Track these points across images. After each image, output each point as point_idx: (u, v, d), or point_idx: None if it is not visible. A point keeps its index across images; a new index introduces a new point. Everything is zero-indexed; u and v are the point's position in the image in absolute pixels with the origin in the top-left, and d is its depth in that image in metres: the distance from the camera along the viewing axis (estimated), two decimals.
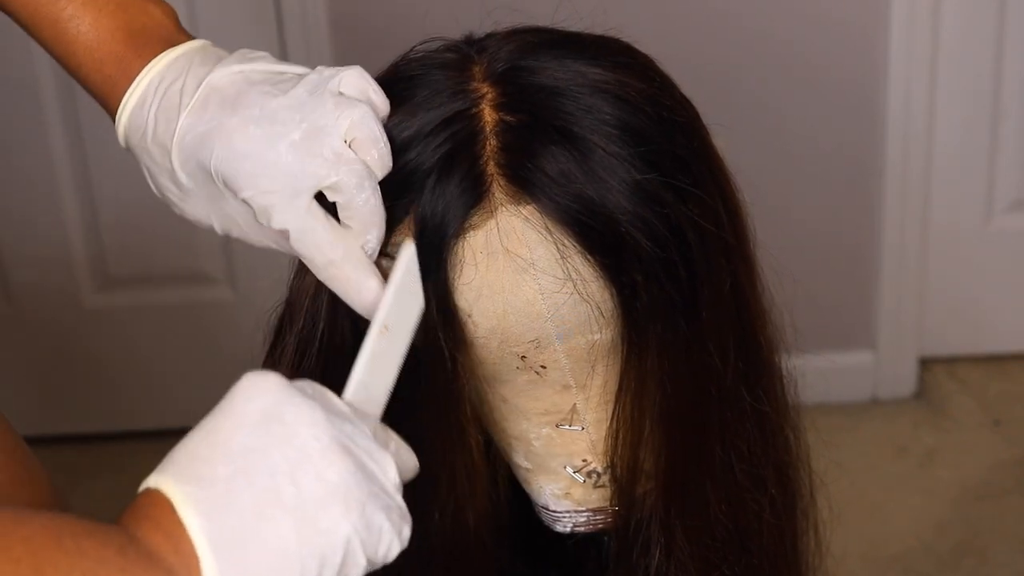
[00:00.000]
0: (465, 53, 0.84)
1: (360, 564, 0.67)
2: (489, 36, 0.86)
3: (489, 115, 0.81)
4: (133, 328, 2.34)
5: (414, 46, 0.86)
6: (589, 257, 0.80)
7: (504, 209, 0.80)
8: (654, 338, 0.82)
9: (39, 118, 2.19)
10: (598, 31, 0.88)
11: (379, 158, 0.80)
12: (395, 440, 0.73)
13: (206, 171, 0.81)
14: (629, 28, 0.88)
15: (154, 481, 0.67)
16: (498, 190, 0.80)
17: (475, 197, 0.80)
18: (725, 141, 0.89)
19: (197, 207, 0.85)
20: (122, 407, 2.37)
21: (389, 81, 0.85)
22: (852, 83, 2.20)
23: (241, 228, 0.84)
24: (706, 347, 0.84)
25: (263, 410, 0.68)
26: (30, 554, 0.61)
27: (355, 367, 0.77)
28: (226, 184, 0.80)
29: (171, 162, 0.83)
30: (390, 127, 0.82)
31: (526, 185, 0.80)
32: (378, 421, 0.74)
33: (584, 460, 0.87)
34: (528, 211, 0.80)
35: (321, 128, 0.79)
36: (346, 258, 0.79)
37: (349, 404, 0.72)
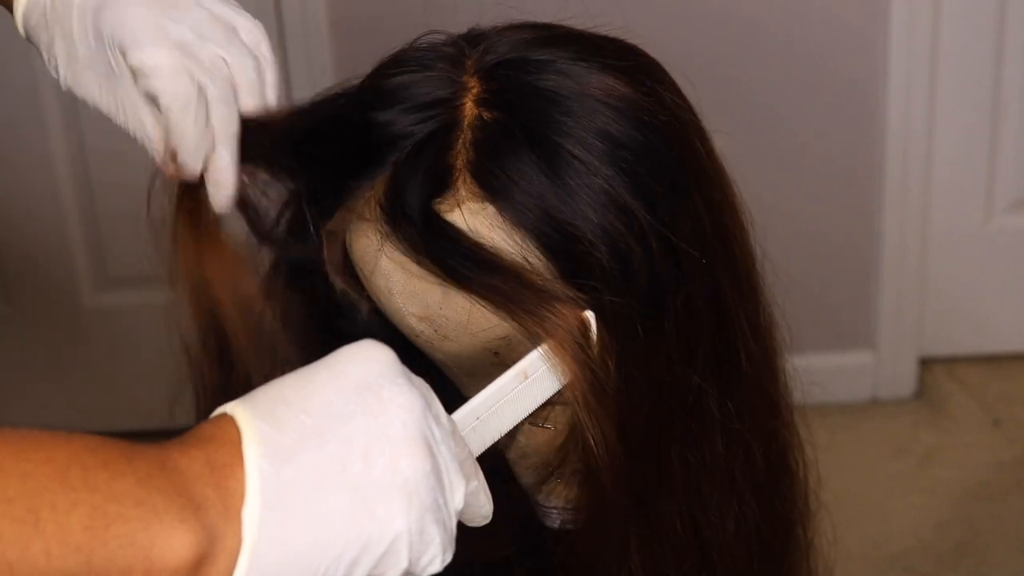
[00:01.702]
0: (462, 46, 0.84)
1: (401, 565, 0.65)
2: (490, 30, 0.86)
3: (470, 109, 0.81)
4: (133, 328, 2.34)
5: (418, 36, 0.86)
6: (549, 263, 0.80)
7: (467, 205, 0.80)
8: (614, 346, 0.81)
9: (39, 119, 2.19)
10: (600, 31, 0.87)
11: (249, 97, 0.81)
12: (480, 481, 0.70)
13: (101, 38, 0.81)
14: (628, 29, 0.88)
15: (231, 408, 0.65)
16: (463, 185, 0.80)
17: (440, 187, 0.80)
18: (723, 142, 0.88)
19: (91, 84, 0.83)
20: (122, 407, 2.37)
21: (387, 66, 0.85)
22: (852, 84, 2.20)
23: (126, 117, 0.83)
24: (669, 359, 0.83)
25: (363, 377, 0.66)
26: (25, 494, 0.58)
27: (476, 396, 0.76)
28: (119, 48, 0.80)
29: (72, 27, 0.82)
30: (376, 97, 0.82)
31: (487, 186, 0.79)
32: (472, 456, 0.71)
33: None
34: (491, 210, 0.79)
35: (206, 39, 0.80)
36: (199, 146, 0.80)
37: (452, 421, 0.70)
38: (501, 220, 0.79)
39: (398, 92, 0.82)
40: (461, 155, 0.80)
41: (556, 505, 0.89)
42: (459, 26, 0.88)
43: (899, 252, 2.31)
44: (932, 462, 2.27)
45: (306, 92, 2.40)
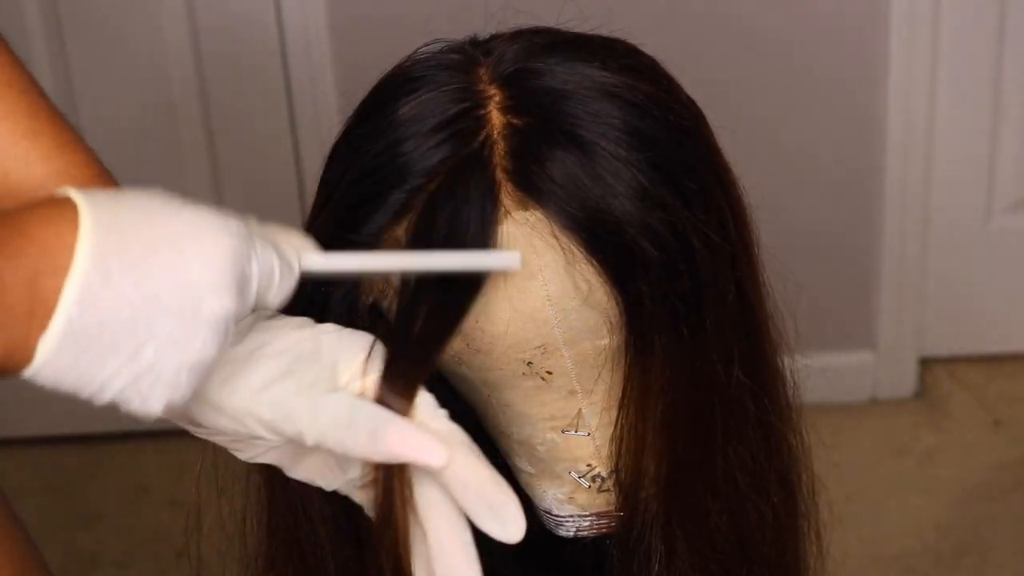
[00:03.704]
0: (470, 55, 0.83)
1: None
2: (494, 38, 0.85)
3: (496, 118, 0.80)
4: None
5: (418, 48, 0.85)
6: (595, 264, 0.79)
7: (511, 215, 0.79)
8: (658, 346, 0.82)
9: None
10: (598, 33, 0.87)
11: None
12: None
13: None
14: (628, 30, 0.88)
15: (68, 192, 0.68)
16: (506, 196, 0.79)
17: (484, 205, 0.79)
18: (724, 141, 0.89)
19: None
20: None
21: (393, 81, 0.84)
22: (852, 83, 2.21)
23: None
24: (710, 356, 0.84)
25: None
26: None
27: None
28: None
29: None
30: (392, 120, 0.81)
31: (533, 191, 0.79)
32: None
33: (589, 465, 0.87)
34: (535, 217, 0.79)
35: None
36: None
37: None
38: (546, 224, 0.79)
39: (414, 114, 0.81)
40: (499, 166, 0.79)
41: (571, 513, 0.89)
42: (459, 28, 0.88)
43: (899, 252, 2.31)
44: (932, 462, 2.27)
45: (306, 92, 2.40)
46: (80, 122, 2.18)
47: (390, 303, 0.83)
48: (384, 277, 0.83)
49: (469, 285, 0.79)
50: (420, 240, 0.79)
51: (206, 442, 0.80)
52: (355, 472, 0.78)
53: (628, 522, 0.87)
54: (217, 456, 0.86)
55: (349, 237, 0.81)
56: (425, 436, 0.73)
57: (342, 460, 0.78)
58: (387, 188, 0.81)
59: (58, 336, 0.65)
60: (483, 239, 0.79)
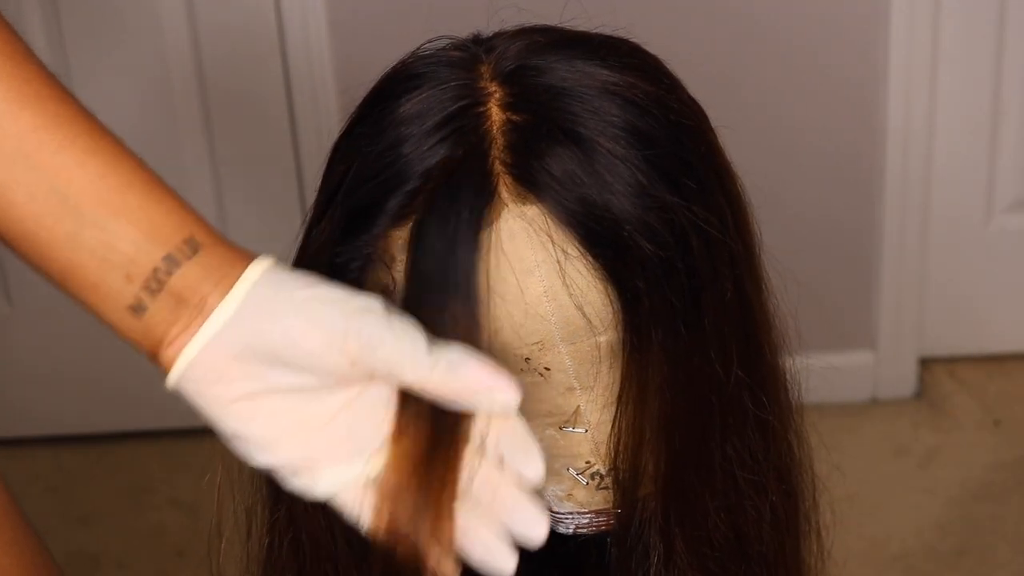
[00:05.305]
0: (473, 52, 0.84)
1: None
2: (497, 35, 0.86)
3: (496, 114, 0.81)
4: None
5: (421, 44, 0.86)
6: (591, 260, 0.80)
7: (508, 209, 0.80)
8: (655, 344, 0.82)
9: None
10: (602, 31, 0.87)
11: None
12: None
13: None
14: (631, 28, 0.88)
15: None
16: (504, 190, 0.80)
17: (482, 199, 0.79)
18: (724, 141, 0.89)
19: None
20: (122, 407, 2.37)
21: (395, 78, 0.84)
22: (852, 83, 2.21)
23: None
24: (708, 355, 0.84)
25: None
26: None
27: None
28: None
29: None
30: (393, 118, 0.82)
31: (531, 186, 0.79)
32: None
33: (587, 462, 0.87)
34: (533, 212, 0.79)
35: None
36: None
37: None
38: (543, 220, 0.80)
39: (415, 112, 0.81)
40: (498, 160, 0.80)
41: (570, 511, 0.89)
42: (460, 27, 0.88)
43: (899, 252, 2.31)
44: (932, 462, 2.27)
45: (306, 92, 2.39)
46: None
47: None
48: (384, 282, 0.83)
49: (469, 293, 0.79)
50: (421, 243, 0.80)
51: (216, 446, 0.80)
52: (364, 465, 0.75)
53: (626, 520, 0.87)
54: (230, 460, 0.86)
55: (353, 241, 0.82)
56: (501, 371, 0.73)
57: (360, 444, 0.76)
58: (388, 191, 0.81)
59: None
60: (476, 228, 0.79)
